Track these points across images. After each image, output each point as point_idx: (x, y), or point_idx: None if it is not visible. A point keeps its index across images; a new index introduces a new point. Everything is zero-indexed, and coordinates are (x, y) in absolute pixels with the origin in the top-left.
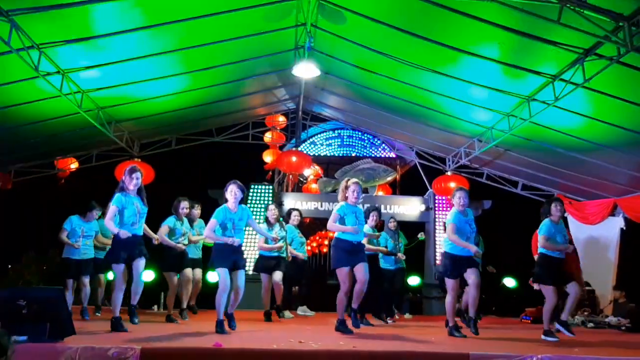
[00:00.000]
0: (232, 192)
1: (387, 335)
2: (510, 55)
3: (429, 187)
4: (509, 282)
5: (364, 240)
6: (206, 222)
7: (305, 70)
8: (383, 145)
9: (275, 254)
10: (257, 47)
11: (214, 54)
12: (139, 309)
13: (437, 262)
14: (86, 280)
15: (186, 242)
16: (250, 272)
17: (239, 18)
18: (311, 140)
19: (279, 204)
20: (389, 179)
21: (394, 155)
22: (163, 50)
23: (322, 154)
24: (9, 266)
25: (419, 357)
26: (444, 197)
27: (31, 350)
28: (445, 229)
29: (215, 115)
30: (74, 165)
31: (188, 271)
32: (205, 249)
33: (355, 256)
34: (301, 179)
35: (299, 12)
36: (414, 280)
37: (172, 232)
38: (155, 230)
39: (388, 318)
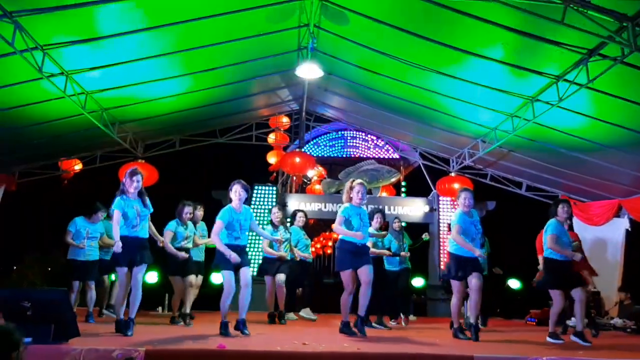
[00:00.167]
0: (236, 192)
1: (391, 337)
2: (514, 55)
3: (432, 188)
4: (514, 283)
5: (369, 243)
6: (209, 223)
7: (309, 71)
8: (387, 146)
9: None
10: (260, 48)
11: (218, 55)
12: (143, 310)
13: (442, 265)
14: (92, 283)
15: (190, 245)
16: (255, 275)
17: (242, 19)
18: (315, 141)
19: (283, 205)
20: (393, 180)
21: (397, 156)
22: (166, 51)
23: (325, 155)
24: (14, 267)
25: (423, 359)
26: (448, 198)
27: (35, 351)
28: (450, 230)
29: (218, 116)
30: (78, 166)
31: (192, 277)
32: (208, 250)
33: (359, 258)
34: (305, 180)
35: (302, 13)
36: (418, 282)
37: (173, 237)
38: (161, 232)
39: (392, 320)
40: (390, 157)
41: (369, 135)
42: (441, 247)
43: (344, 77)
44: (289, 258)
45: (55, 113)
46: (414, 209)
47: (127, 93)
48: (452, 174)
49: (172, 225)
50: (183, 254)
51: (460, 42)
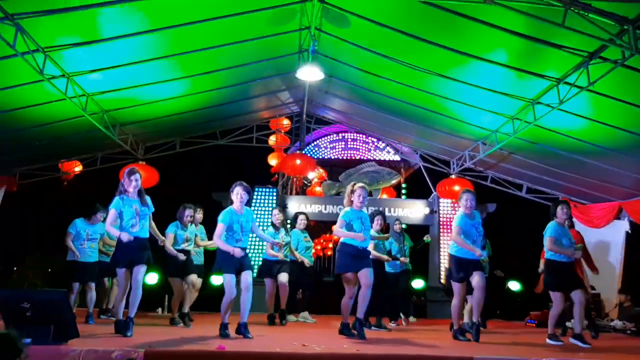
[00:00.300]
0: (237, 194)
1: (391, 339)
2: (515, 58)
3: (433, 190)
4: (514, 285)
5: (370, 247)
6: (209, 225)
7: (310, 74)
8: (387, 148)
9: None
10: (261, 50)
11: (218, 57)
12: (143, 311)
13: (443, 267)
14: (92, 284)
15: (191, 247)
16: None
17: (244, 21)
18: (315, 143)
19: (283, 207)
20: (393, 181)
21: (398, 158)
22: (167, 53)
23: (326, 157)
24: (15, 268)
25: None
26: (448, 200)
27: (35, 352)
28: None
29: (219, 118)
30: (79, 168)
31: (193, 277)
32: (208, 253)
33: (360, 261)
34: (305, 182)
35: (303, 15)
36: (418, 284)
37: (174, 240)
38: (161, 234)
39: (392, 322)
40: (391, 159)
41: (369, 138)
42: (441, 249)
43: (344, 80)
44: (288, 260)
45: (56, 115)
46: (414, 211)
47: (128, 95)
48: (453, 176)
49: (171, 228)
50: (181, 255)
51: (462, 45)
